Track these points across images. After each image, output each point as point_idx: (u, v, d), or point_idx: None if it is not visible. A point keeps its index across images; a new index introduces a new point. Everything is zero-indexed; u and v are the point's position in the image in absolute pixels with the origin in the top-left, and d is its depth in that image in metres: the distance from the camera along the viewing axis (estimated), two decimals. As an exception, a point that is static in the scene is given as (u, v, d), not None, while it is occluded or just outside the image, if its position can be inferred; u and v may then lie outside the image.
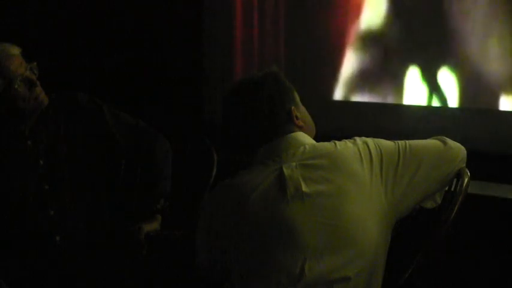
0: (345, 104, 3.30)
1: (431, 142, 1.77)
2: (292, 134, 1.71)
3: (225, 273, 1.71)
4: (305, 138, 1.71)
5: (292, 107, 1.74)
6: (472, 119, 2.84)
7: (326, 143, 1.70)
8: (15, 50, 2.09)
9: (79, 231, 2.16)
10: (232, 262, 1.66)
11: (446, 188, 1.79)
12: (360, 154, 1.66)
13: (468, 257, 2.57)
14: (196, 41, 3.80)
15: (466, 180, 1.77)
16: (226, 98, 1.79)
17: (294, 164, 1.64)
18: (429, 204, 1.76)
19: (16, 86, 2.04)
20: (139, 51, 3.90)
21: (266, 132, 1.71)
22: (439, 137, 1.79)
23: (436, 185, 1.73)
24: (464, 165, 1.79)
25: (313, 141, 1.72)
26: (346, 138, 1.72)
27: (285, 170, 1.63)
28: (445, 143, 1.76)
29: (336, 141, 1.70)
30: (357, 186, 1.62)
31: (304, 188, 1.61)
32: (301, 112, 1.77)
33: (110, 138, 2.22)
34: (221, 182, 1.73)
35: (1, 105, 2.08)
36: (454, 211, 1.74)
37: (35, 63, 2.11)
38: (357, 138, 1.71)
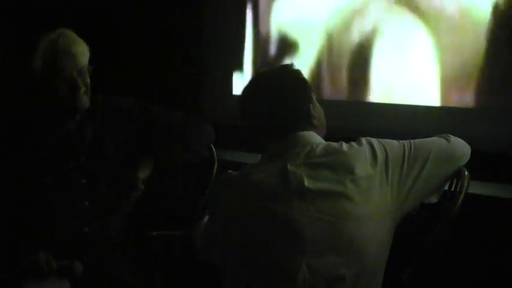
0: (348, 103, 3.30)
1: (436, 140, 1.78)
2: (301, 132, 1.71)
3: (223, 264, 1.72)
4: (313, 138, 1.72)
5: (310, 105, 1.75)
6: (472, 118, 2.83)
7: (332, 143, 1.71)
8: (77, 50, 2.11)
9: (108, 224, 2.21)
10: (231, 255, 1.67)
11: (446, 188, 1.80)
12: (365, 155, 1.67)
13: (468, 257, 2.57)
14: (196, 41, 3.80)
15: (466, 180, 1.77)
16: (247, 92, 1.78)
17: (299, 162, 1.65)
18: (427, 200, 1.76)
19: (57, 84, 2.08)
20: (139, 51, 3.90)
21: (282, 129, 1.71)
22: (443, 135, 1.80)
23: (440, 182, 1.75)
24: (467, 161, 1.79)
25: (322, 141, 1.73)
26: (348, 138, 1.73)
27: (289, 166, 1.64)
28: (448, 140, 1.77)
29: (343, 142, 1.71)
30: (360, 187, 1.62)
31: (307, 183, 1.61)
32: (317, 111, 1.78)
33: (149, 136, 2.26)
34: (229, 173, 1.72)
35: (41, 92, 2.11)
36: (454, 211, 1.75)
37: (91, 67, 2.14)
38: (363, 139, 1.71)
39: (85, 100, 2.15)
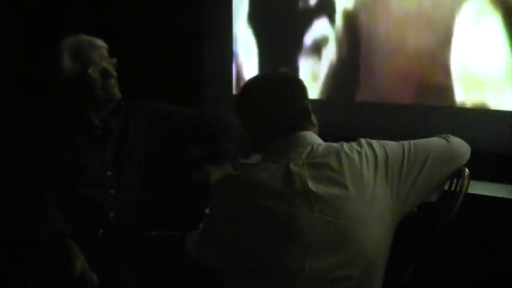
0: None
1: (435, 140, 1.78)
2: (301, 132, 1.72)
3: (222, 264, 1.72)
4: (314, 138, 1.73)
5: (308, 104, 1.76)
6: (472, 118, 2.83)
7: (333, 144, 1.71)
8: (101, 43, 2.23)
9: (131, 210, 2.28)
10: (231, 255, 1.67)
11: (446, 188, 1.80)
12: (366, 156, 1.67)
13: (468, 257, 2.57)
14: (196, 41, 3.80)
15: (466, 180, 1.78)
16: (244, 97, 1.78)
17: (301, 162, 1.65)
18: (426, 200, 1.77)
19: (90, 71, 2.16)
20: (139, 51, 3.90)
21: (283, 129, 1.72)
22: (443, 135, 1.81)
23: (440, 182, 1.75)
24: (466, 161, 1.80)
25: (321, 141, 1.73)
26: (349, 138, 1.73)
27: (292, 167, 1.64)
28: (448, 140, 1.78)
29: (343, 142, 1.71)
30: (361, 188, 1.63)
31: (310, 185, 1.62)
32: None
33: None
34: (230, 173, 1.72)
35: (75, 89, 2.18)
36: (454, 211, 1.75)
37: (115, 59, 2.24)
38: (362, 140, 1.72)
39: (117, 90, 2.23)
